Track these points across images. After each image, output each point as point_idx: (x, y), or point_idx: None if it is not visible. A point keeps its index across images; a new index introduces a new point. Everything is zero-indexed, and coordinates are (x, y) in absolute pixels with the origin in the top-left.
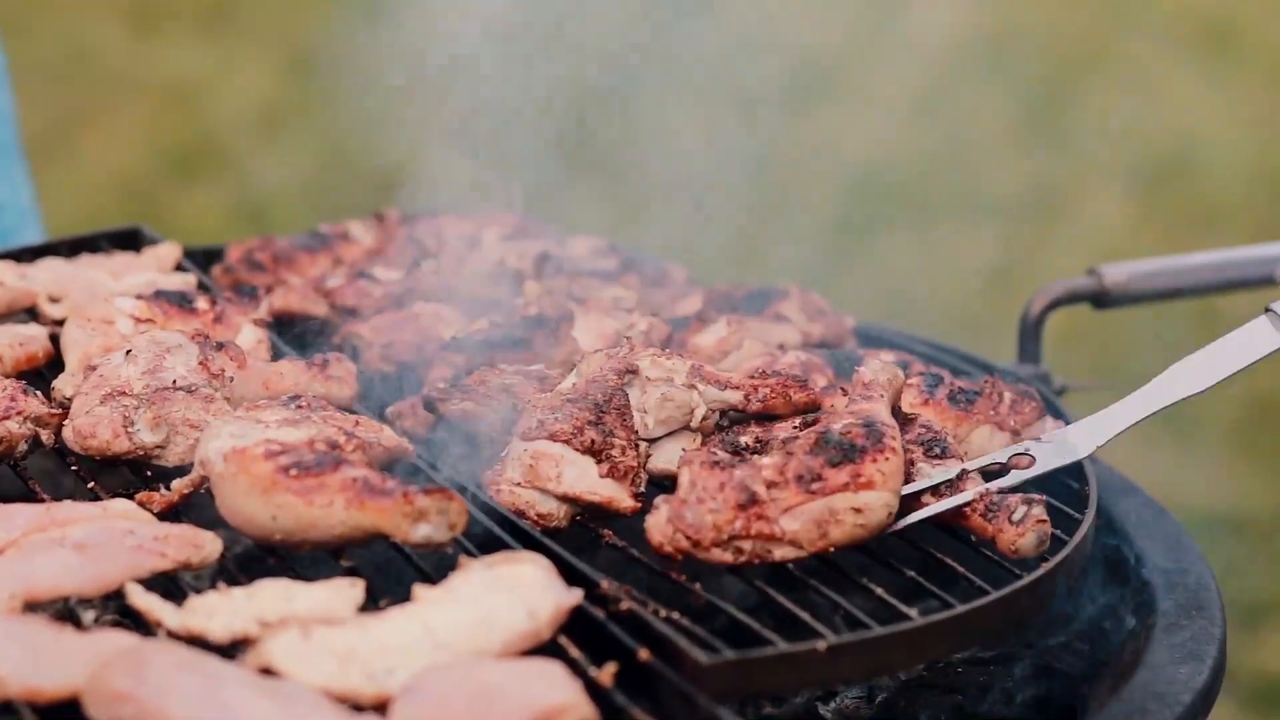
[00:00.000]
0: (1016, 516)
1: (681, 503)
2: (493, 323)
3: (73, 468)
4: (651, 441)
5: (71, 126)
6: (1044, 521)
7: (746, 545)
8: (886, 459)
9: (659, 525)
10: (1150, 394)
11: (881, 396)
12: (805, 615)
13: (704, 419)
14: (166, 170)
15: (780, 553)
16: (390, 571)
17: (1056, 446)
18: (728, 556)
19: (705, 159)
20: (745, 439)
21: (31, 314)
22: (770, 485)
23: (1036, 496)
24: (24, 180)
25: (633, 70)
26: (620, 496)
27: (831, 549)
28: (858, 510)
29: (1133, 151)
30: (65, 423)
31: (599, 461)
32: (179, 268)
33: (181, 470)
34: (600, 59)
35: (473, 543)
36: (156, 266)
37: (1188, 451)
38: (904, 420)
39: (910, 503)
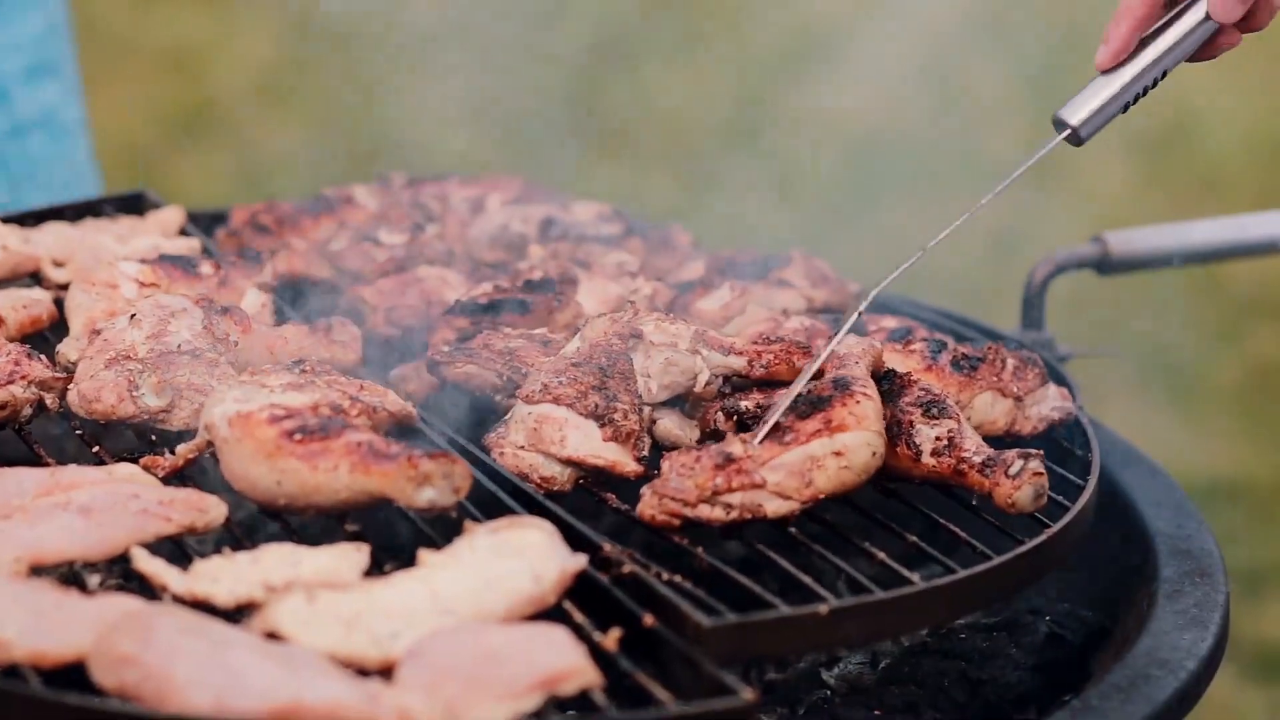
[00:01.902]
0: (1013, 470)
1: (664, 480)
2: (497, 286)
3: (77, 432)
4: (655, 406)
5: None
6: (1040, 475)
7: (735, 499)
8: (857, 402)
9: (647, 503)
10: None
11: (857, 363)
12: (807, 579)
13: (707, 384)
14: (168, 135)
15: (772, 506)
16: (395, 536)
17: None
18: (719, 514)
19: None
20: (746, 404)
21: (35, 278)
22: (745, 445)
23: (1034, 451)
24: (78, 98)
25: (633, 33)
26: (624, 460)
27: (824, 496)
28: (838, 454)
29: (1134, 118)
30: (70, 387)
31: (602, 426)
32: (183, 232)
33: (186, 435)
34: (603, 22)
35: (477, 507)
36: (160, 231)
37: (1188, 419)
38: (903, 384)
39: (912, 466)
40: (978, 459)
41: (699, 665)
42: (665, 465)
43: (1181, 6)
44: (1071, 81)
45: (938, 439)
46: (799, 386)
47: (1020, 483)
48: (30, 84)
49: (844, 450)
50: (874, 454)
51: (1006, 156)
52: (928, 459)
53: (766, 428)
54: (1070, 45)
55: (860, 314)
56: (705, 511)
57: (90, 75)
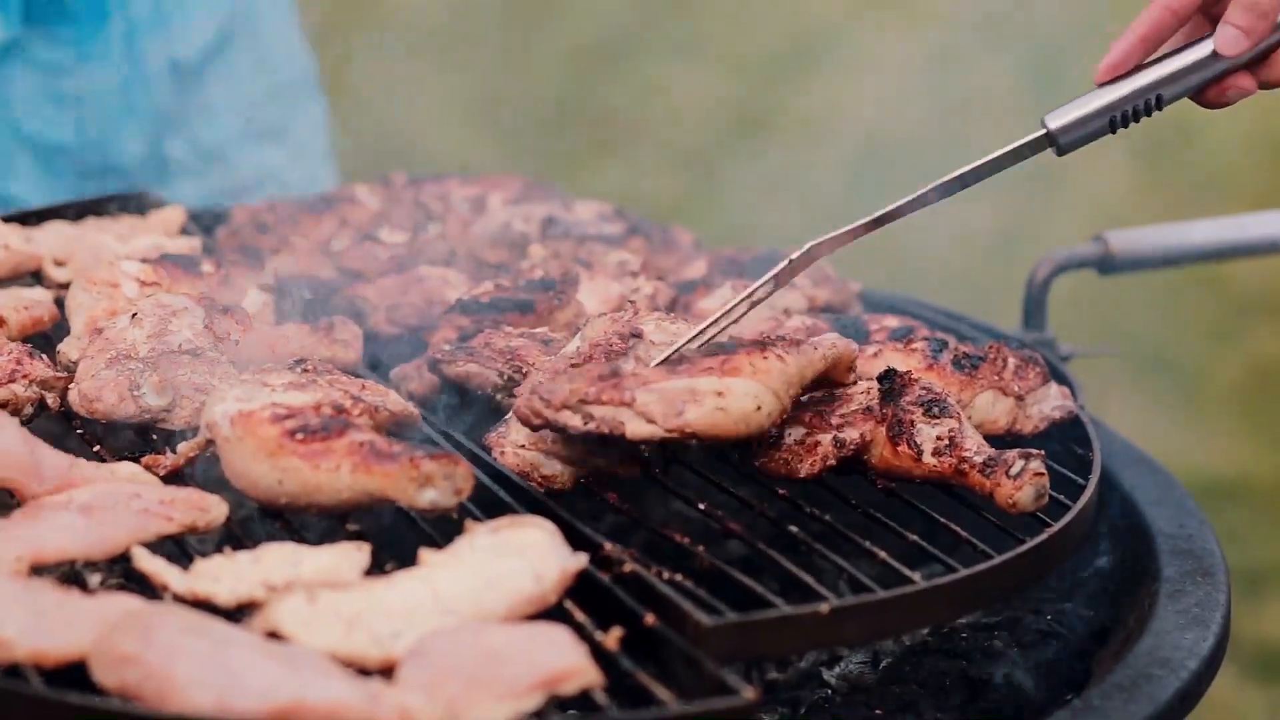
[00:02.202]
0: (1014, 471)
1: (552, 375)
2: (497, 285)
3: (78, 431)
4: None
5: None
6: (1041, 475)
7: (598, 412)
8: (764, 357)
9: (521, 398)
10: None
11: (813, 345)
12: (808, 578)
13: None
14: None
15: (633, 426)
16: (396, 535)
17: None
18: (576, 421)
19: (709, 123)
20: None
21: (37, 277)
22: (638, 365)
23: (1035, 451)
24: (322, 120)
25: (636, 33)
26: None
27: (690, 433)
28: (720, 394)
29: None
30: (71, 386)
31: None
32: (184, 231)
33: (187, 434)
34: (605, 22)
35: (478, 506)
36: (162, 230)
37: (1189, 418)
38: (904, 382)
39: (914, 465)
40: (979, 459)
41: (700, 664)
42: (558, 364)
43: (1194, 40)
44: (1077, 83)
45: (939, 439)
46: (714, 319)
47: (1021, 483)
48: (250, 147)
49: (726, 392)
50: (759, 408)
51: None
52: (929, 459)
53: (667, 353)
54: (1077, 47)
55: (791, 261)
56: (566, 417)
57: None
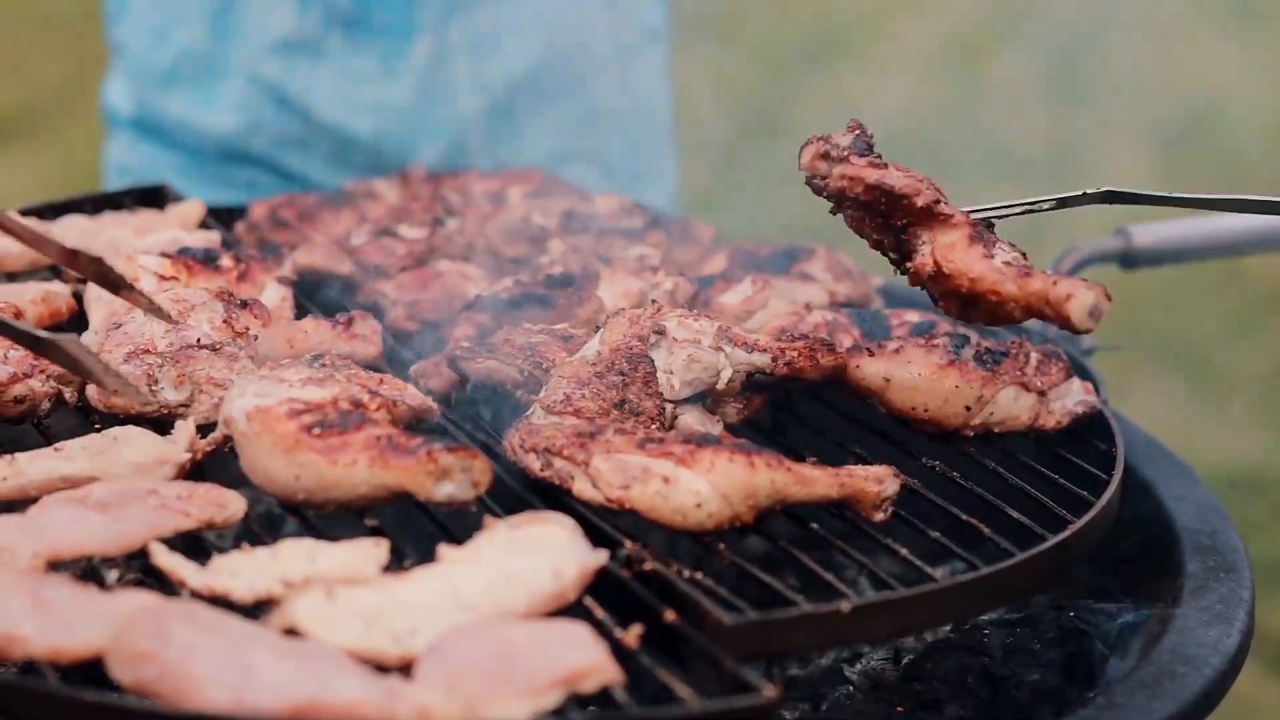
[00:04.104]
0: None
1: (535, 416)
2: (517, 281)
3: (96, 426)
4: (677, 403)
5: (90, 80)
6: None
7: (556, 463)
8: (731, 460)
9: (510, 432)
10: None
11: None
12: (829, 576)
13: (730, 381)
14: None
15: (578, 486)
16: (414, 531)
17: None
18: (535, 465)
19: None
20: None
21: (55, 271)
22: (621, 433)
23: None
24: (672, 176)
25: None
26: None
27: (628, 508)
28: (666, 480)
29: (1155, 109)
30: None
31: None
32: (203, 225)
33: (205, 429)
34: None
35: (497, 503)
36: (180, 224)
37: (1210, 411)
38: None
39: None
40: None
41: (720, 662)
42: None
43: None
44: (1093, 77)
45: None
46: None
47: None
48: (557, 167)
49: (672, 481)
50: (698, 505)
51: (1027, 151)
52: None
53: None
54: (1093, 41)
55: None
56: (529, 460)
57: (107, 63)
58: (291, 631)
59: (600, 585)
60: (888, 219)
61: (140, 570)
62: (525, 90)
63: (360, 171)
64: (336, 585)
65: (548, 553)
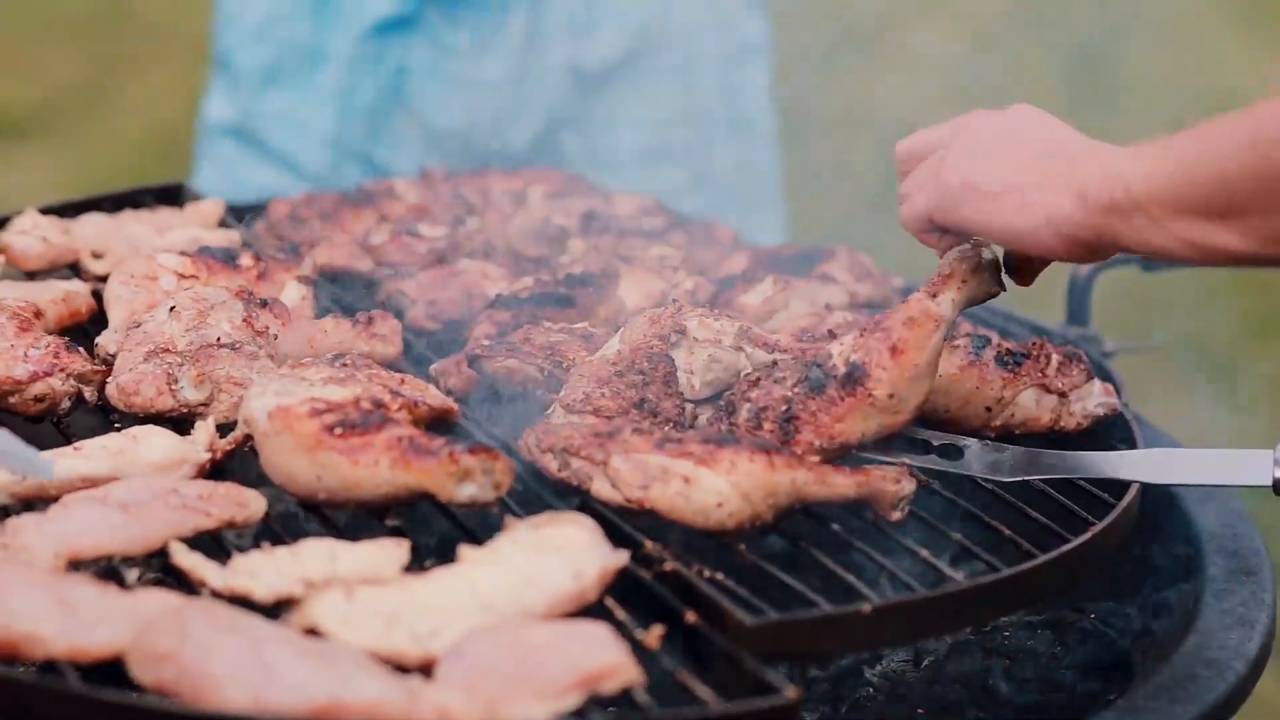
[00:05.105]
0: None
1: (567, 407)
2: (537, 280)
3: (116, 425)
4: (697, 403)
5: (108, 80)
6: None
7: (574, 463)
8: (751, 460)
9: (526, 433)
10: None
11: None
12: (850, 577)
13: None
14: None
15: (597, 485)
16: (435, 532)
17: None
18: (553, 466)
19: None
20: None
21: (75, 270)
22: (638, 433)
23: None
24: (778, 232)
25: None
26: None
27: (649, 508)
28: (686, 480)
29: (1174, 112)
30: (108, 380)
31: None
32: (222, 224)
33: (225, 428)
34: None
35: (517, 503)
36: (200, 222)
37: (1231, 413)
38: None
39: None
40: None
41: (742, 663)
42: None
43: None
44: (1111, 78)
45: None
46: None
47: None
48: (647, 162)
49: (693, 481)
50: (719, 505)
51: None
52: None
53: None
54: (1108, 40)
55: None
56: (546, 460)
57: (126, 63)
58: (312, 631)
59: (621, 586)
60: None
61: (160, 570)
62: (619, 78)
63: (450, 160)
64: (357, 585)
65: (568, 553)
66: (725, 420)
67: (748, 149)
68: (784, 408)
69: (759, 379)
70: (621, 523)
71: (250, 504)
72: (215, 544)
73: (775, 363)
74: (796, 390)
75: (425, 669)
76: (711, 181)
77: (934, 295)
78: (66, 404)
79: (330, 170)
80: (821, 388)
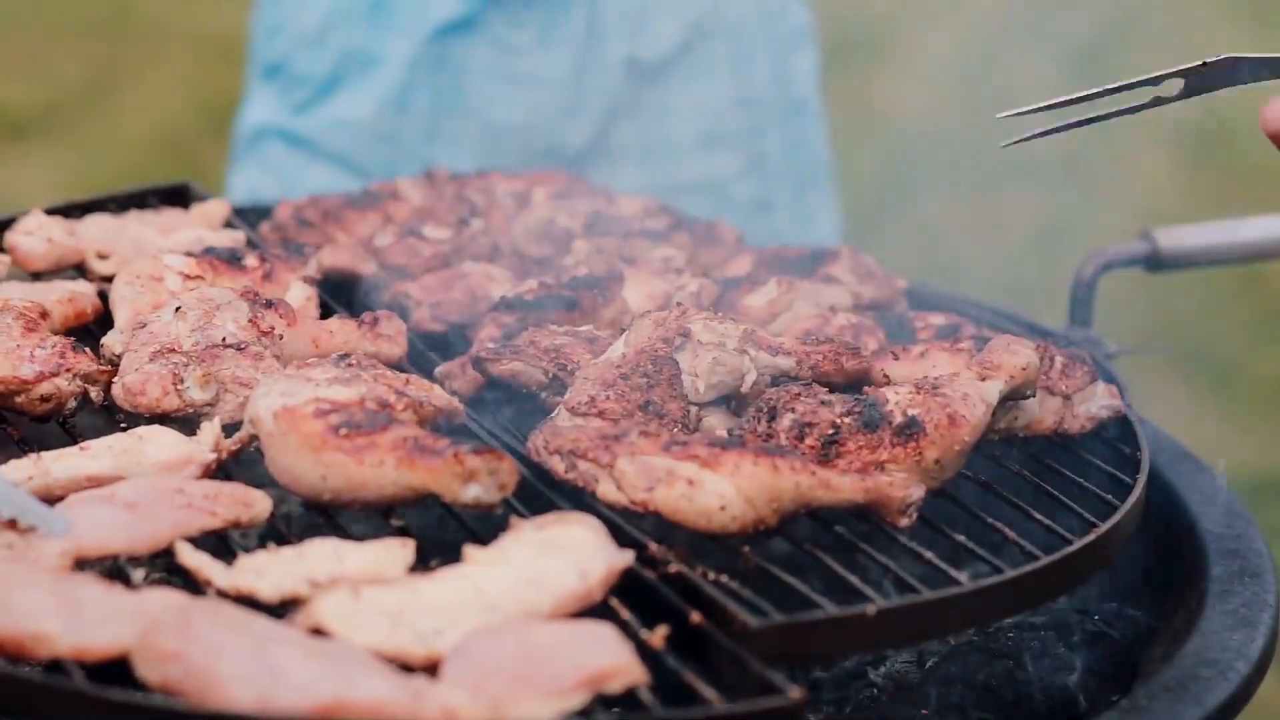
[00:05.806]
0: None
1: (572, 410)
2: (542, 283)
3: (121, 425)
4: (702, 406)
5: (112, 80)
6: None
7: (580, 465)
8: (755, 463)
9: (534, 434)
10: None
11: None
12: (854, 579)
13: (754, 384)
14: (208, 125)
15: (602, 488)
16: (440, 531)
17: None
18: (560, 467)
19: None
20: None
21: (80, 270)
22: (645, 436)
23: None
24: (832, 216)
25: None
26: None
27: (653, 511)
28: (690, 483)
29: (1178, 111)
30: (114, 380)
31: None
32: (227, 225)
33: (231, 429)
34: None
35: (522, 503)
36: (205, 223)
37: (1232, 415)
38: None
39: None
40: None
41: (746, 664)
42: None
43: None
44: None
45: None
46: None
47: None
48: (701, 152)
49: (696, 483)
50: (723, 508)
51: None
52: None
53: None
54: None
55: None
56: (554, 461)
57: (129, 63)
58: (317, 631)
59: (626, 586)
60: None
61: (166, 569)
62: (673, 69)
63: (509, 160)
64: (362, 585)
65: (574, 553)
66: (764, 423)
67: (799, 131)
68: (831, 430)
69: (799, 393)
70: (625, 523)
71: (256, 504)
72: (221, 544)
73: (793, 375)
74: (847, 420)
75: (430, 669)
76: (765, 166)
77: (983, 380)
78: (72, 404)
79: (388, 171)
80: (875, 427)
